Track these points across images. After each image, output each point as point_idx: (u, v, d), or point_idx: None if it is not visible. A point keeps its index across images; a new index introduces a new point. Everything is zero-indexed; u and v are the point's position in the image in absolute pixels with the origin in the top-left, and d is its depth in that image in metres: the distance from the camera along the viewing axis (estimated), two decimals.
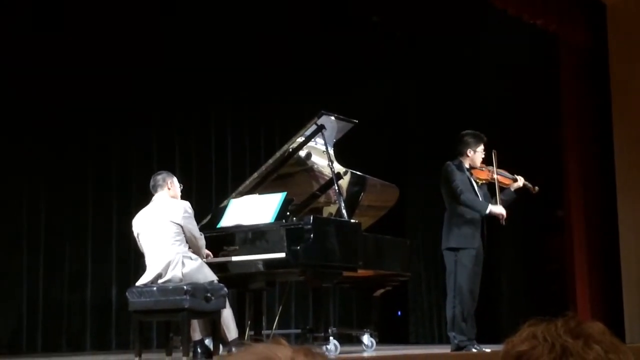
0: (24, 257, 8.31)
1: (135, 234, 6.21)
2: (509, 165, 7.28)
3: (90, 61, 8.71)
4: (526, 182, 7.11)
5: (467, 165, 6.98)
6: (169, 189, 6.21)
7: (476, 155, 6.98)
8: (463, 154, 6.99)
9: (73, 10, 8.61)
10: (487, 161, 7.06)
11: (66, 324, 8.57)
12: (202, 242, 6.17)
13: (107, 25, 8.83)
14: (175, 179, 6.29)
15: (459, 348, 6.80)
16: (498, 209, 6.84)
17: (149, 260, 6.07)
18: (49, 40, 8.47)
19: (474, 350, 6.80)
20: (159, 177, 6.26)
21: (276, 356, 1.20)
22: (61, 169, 8.61)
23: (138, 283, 6.07)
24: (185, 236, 6.03)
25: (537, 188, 7.16)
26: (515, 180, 7.06)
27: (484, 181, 7.02)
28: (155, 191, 6.22)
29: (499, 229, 7.30)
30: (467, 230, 6.85)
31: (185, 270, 5.91)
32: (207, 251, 6.30)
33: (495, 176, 6.93)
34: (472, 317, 6.92)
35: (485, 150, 7.03)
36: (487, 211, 6.82)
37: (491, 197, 6.99)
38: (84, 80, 8.67)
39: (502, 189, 7.05)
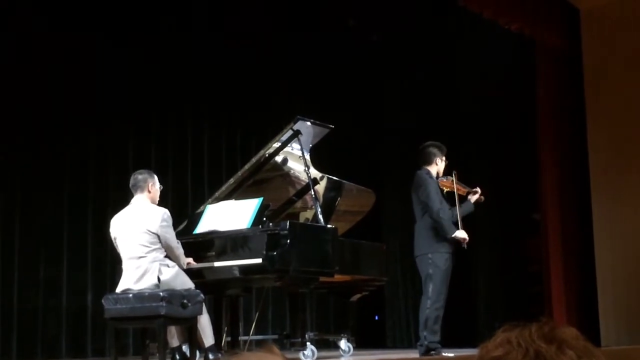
0: None
1: (112, 237, 6.17)
2: (488, 168, 7.36)
3: (66, 63, 8.66)
4: (479, 198, 7.25)
5: (434, 174, 7.09)
6: (149, 191, 6.16)
7: (442, 164, 7.17)
8: (431, 162, 7.14)
9: (46, 9, 8.56)
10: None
11: (41, 331, 8.50)
12: (179, 251, 6.12)
13: (83, 25, 8.78)
14: (156, 180, 6.23)
15: (428, 349, 6.82)
16: (461, 234, 6.93)
17: (125, 267, 6.04)
18: (22, 40, 8.42)
19: (444, 354, 6.82)
20: (140, 178, 6.18)
21: None
22: (36, 173, 8.54)
23: (117, 290, 6.04)
24: (161, 244, 6.00)
25: (482, 198, 7.28)
26: (473, 192, 7.18)
27: (448, 189, 7.13)
28: (135, 192, 6.16)
29: (475, 232, 7.35)
30: (439, 237, 6.91)
31: (163, 277, 5.88)
32: (188, 259, 6.27)
33: (455, 186, 7.07)
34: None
35: (446, 160, 7.18)
36: (452, 235, 6.89)
37: (451, 205, 7.08)
38: (60, 82, 8.61)
39: (461, 197, 7.17)
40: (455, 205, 7.04)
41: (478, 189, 7.25)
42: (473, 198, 7.21)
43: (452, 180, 7.10)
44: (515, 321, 1.35)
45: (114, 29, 8.99)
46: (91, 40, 8.83)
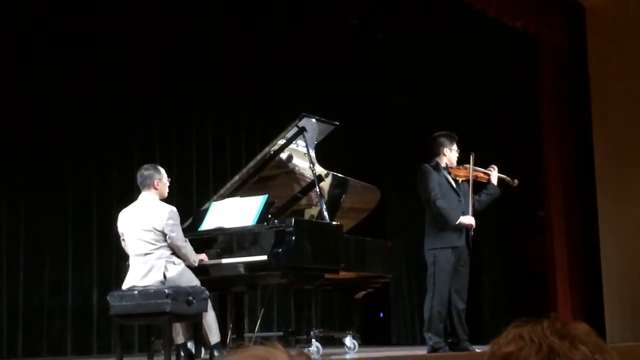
0: (4, 260, 8.26)
1: (119, 232, 6.16)
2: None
3: (67, 61, 8.66)
4: (501, 175, 7.17)
5: (444, 165, 7.04)
6: (155, 188, 6.13)
7: (452, 154, 7.08)
8: (439, 153, 7.08)
9: (45, 8, 8.57)
10: (461, 161, 7.12)
11: (47, 328, 8.52)
12: (186, 249, 6.08)
13: (85, 23, 8.78)
14: (162, 174, 6.16)
15: (434, 350, 6.81)
16: (467, 220, 6.89)
17: (132, 263, 6.04)
18: (23, 42, 8.42)
19: (449, 351, 6.82)
20: (146, 174, 6.13)
21: (275, 359, 1.19)
22: (40, 172, 8.56)
23: (123, 287, 6.04)
24: (167, 242, 5.99)
25: (516, 181, 7.21)
26: (491, 173, 7.12)
27: (463, 178, 7.07)
28: (143, 188, 6.15)
29: (480, 230, 7.32)
30: (445, 231, 6.88)
31: (169, 274, 5.87)
32: (200, 255, 6.25)
33: (471, 174, 6.99)
34: (463, 317, 6.96)
35: (458, 149, 7.10)
36: (457, 222, 6.85)
37: (474, 193, 7.03)
38: (62, 80, 8.62)
39: (484, 184, 7.11)
40: (471, 193, 6.97)
41: (492, 168, 7.16)
42: (494, 178, 7.12)
43: (468, 168, 7.02)
44: (520, 318, 1.35)
45: (116, 28, 8.99)
46: (93, 39, 8.84)
